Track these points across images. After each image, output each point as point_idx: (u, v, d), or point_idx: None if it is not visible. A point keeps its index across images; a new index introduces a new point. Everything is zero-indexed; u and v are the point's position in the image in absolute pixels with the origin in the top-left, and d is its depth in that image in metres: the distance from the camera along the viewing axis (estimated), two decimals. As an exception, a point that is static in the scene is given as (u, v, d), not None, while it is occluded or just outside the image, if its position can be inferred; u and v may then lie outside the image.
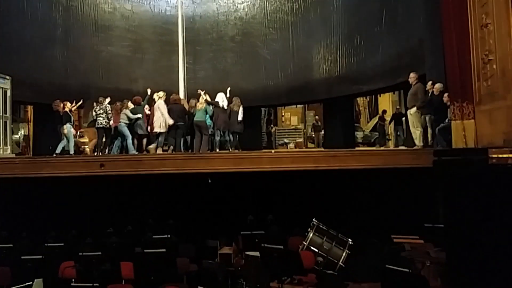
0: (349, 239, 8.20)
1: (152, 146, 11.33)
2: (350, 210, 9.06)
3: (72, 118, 11.63)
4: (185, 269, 7.91)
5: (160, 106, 11.39)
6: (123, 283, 7.46)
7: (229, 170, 9.44)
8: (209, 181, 9.60)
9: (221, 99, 11.78)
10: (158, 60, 16.68)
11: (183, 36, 14.96)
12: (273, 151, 11.69)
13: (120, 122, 11.21)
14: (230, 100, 11.93)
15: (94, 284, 6.87)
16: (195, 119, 11.36)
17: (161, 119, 11.26)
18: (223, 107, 11.65)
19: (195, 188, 10.01)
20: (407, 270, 5.82)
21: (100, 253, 7.94)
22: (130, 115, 11.21)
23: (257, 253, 7.63)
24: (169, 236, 9.10)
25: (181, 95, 13.96)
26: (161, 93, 11.65)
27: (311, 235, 8.36)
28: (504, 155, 1.13)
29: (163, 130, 11.27)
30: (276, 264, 7.19)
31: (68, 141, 11.05)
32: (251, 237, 8.71)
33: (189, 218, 9.98)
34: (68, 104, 11.45)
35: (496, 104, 7.69)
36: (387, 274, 5.74)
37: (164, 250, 7.95)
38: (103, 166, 9.42)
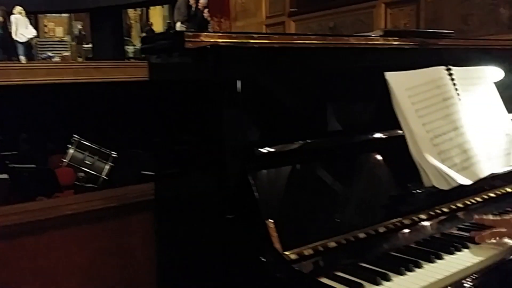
0: (112, 152, 8.14)
1: None
2: (115, 124, 8.86)
3: None
4: None
5: None
6: None
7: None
8: None
9: None
10: None
11: None
12: (22, 59, 10.38)
13: None
14: None
15: None
16: None
17: None
18: None
19: None
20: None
21: None
22: None
23: (5, 176, 6.90)
24: None
25: None
26: None
27: (71, 151, 8.04)
28: (200, 39, 1.17)
29: None
30: (28, 184, 6.67)
31: None
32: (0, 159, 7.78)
33: None
34: None
35: (248, 21, 8.46)
36: (144, 178, 5.93)
37: None
38: None
